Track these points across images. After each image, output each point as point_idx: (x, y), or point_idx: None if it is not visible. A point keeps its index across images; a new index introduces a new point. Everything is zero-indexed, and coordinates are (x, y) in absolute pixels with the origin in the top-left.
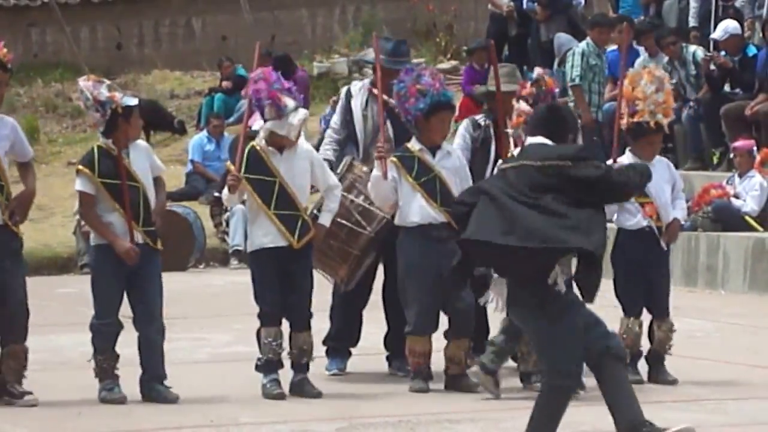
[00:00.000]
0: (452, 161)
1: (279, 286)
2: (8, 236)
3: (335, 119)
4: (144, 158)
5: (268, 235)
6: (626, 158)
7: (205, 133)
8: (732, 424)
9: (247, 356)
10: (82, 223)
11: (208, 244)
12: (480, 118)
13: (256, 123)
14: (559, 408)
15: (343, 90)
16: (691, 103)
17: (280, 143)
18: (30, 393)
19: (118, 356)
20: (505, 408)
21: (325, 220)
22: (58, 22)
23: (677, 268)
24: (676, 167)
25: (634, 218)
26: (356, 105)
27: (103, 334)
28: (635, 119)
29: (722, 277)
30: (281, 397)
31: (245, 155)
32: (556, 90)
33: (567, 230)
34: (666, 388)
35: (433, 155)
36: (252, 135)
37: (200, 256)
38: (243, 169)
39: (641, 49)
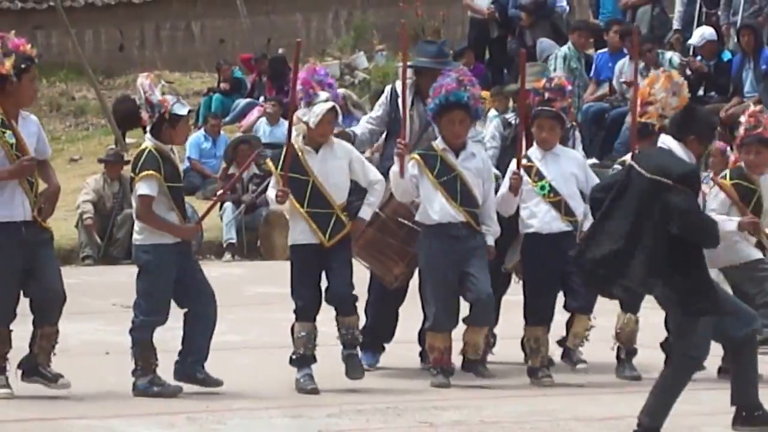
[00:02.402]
0: (476, 162)
1: (317, 281)
2: (38, 229)
3: (375, 114)
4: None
5: (302, 232)
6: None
7: (202, 131)
8: (705, 413)
9: (240, 345)
10: (84, 217)
11: (204, 237)
12: (510, 116)
13: (247, 121)
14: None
15: (388, 88)
16: None
17: (316, 141)
18: (62, 376)
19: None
20: (488, 396)
21: (365, 213)
22: (63, 25)
23: None
24: None
25: None
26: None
27: (148, 329)
28: (643, 119)
29: None
30: (314, 392)
31: (283, 154)
32: (569, 87)
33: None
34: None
35: (457, 155)
36: (245, 139)
37: (197, 248)
38: (280, 168)
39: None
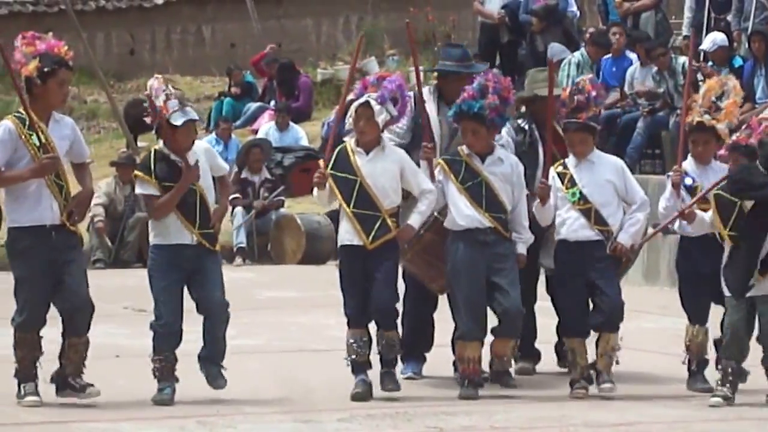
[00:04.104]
0: (503, 168)
1: (363, 287)
2: (67, 234)
3: (402, 124)
4: (202, 161)
5: (347, 232)
6: (687, 163)
7: (213, 135)
8: (717, 419)
9: (251, 349)
10: (95, 220)
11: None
12: (522, 122)
13: (262, 126)
14: None
15: (411, 94)
16: (679, 111)
17: (362, 141)
18: (92, 385)
19: (176, 359)
20: (498, 402)
21: (414, 221)
22: (75, 29)
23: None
24: (663, 173)
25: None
26: (431, 110)
27: (162, 335)
28: (687, 118)
29: None
30: (362, 398)
31: (335, 153)
32: (593, 93)
33: None
34: (651, 384)
35: (483, 160)
36: (257, 143)
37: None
38: (331, 166)
39: (634, 56)
